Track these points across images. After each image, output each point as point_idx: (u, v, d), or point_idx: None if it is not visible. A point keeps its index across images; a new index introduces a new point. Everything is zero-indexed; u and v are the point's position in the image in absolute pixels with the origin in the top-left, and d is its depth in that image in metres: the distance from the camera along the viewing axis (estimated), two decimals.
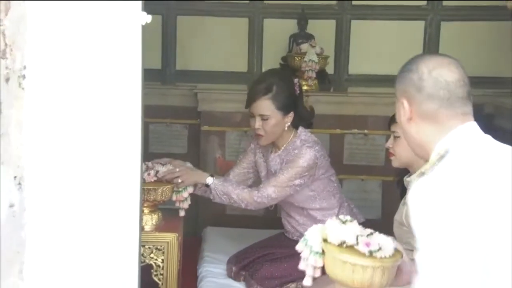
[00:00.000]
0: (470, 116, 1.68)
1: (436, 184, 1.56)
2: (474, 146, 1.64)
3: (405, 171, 2.45)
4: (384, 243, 1.72)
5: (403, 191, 2.47)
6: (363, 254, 1.69)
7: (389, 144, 2.47)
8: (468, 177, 1.56)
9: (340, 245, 1.75)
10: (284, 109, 2.81)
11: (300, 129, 2.91)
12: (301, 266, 1.84)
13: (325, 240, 1.78)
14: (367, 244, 1.72)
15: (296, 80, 2.92)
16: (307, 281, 1.82)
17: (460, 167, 1.59)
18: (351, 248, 1.73)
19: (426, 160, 1.70)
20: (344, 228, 1.79)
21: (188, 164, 2.92)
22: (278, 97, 2.80)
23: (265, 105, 2.80)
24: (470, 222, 1.50)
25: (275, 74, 2.99)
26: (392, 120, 2.47)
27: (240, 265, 3.01)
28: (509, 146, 1.69)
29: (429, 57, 1.74)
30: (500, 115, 3.98)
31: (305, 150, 2.80)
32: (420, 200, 1.56)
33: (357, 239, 1.74)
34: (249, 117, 2.90)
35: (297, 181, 2.78)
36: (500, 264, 1.51)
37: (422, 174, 1.64)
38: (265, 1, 4.66)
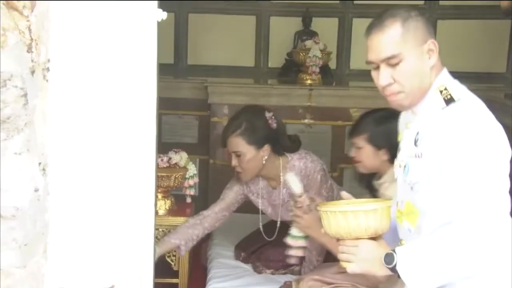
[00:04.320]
0: None
1: (479, 109, 1.60)
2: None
3: (370, 174, 2.44)
4: None
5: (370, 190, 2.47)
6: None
7: (352, 154, 2.46)
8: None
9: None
10: (256, 143, 2.68)
11: (287, 154, 2.78)
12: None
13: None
14: None
15: (270, 115, 2.75)
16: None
17: (478, 101, 1.64)
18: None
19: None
20: None
21: None
22: (248, 132, 2.67)
23: (236, 142, 2.69)
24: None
25: (246, 110, 2.81)
26: (352, 132, 2.46)
27: (248, 251, 3.01)
28: None
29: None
30: (492, 109, 3.96)
31: (311, 167, 2.72)
32: (482, 117, 1.58)
33: None
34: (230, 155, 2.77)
35: (324, 193, 2.73)
36: None
37: (450, 101, 1.62)
38: (271, 0, 4.65)
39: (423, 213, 1.63)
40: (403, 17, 1.64)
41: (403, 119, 1.83)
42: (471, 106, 1.61)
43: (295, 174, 2.43)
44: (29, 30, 0.99)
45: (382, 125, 2.32)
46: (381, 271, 1.59)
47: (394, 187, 1.89)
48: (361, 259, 1.63)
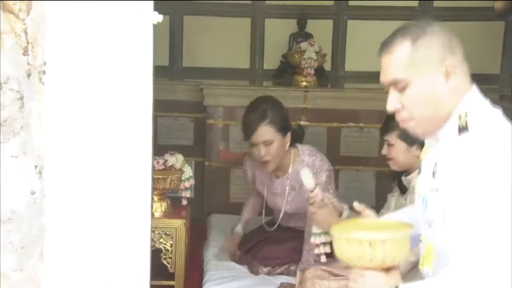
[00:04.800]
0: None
1: (492, 140, 1.38)
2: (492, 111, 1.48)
3: (402, 173, 2.45)
4: None
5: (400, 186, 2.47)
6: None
7: (384, 152, 2.47)
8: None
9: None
10: (283, 130, 2.76)
11: (298, 145, 2.85)
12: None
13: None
14: None
15: (282, 104, 2.88)
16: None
17: (497, 130, 1.43)
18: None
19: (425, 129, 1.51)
20: None
21: None
22: (275, 120, 2.74)
23: (266, 131, 2.72)
24: None
25: (265, 100, 2.89)
26: (384, 129, 2.47)
27: (243, 250, 3.02)
28: None
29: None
30: None
31: (319, 165, 2.75)
32: (490, 152, 1.35)
33: None
34: (250, 148, 2.80)
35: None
36: None
37: (463, 130, 1.43)
38: (266, 2, 4.65)
39: (439, 252, 1.50)
40: (415, 36, 1.46)
41: (428, 142, 1.63)
42: (484, 137, 1.41)
43: (309, 170, 2.44)
44: (25, 33, 0.99)
45: None
46: None
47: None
48: None
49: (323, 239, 2.31)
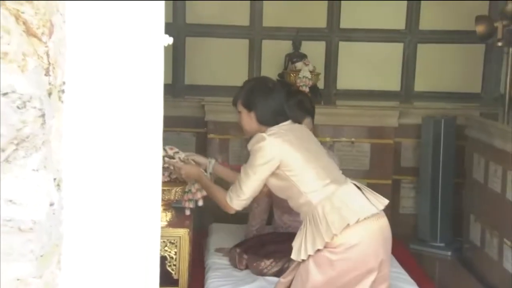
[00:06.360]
0: None
1: None
2: None
3: None
4: None
5: None
6: None
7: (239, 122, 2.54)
8: None
9: None
10: None
11: None
12: None
13: None
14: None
15: None
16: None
17: None
18: None
19: None
20: None
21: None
22: None
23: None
24: None
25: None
26: (234, 100, 2.54)
27: (243, 247, 3.01)
28: None
29: None
30: (470, 126, 4.01)
31: None
32: None
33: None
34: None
35: None
36: None
37: None
38: (263, 25, 4.69)
39: None
40: None
41: None
42: None
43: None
44: (47, 55, 1.00)
45: (251, 90, 2.48)
46: None
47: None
48: None
49: (190, 195, 2.72)
